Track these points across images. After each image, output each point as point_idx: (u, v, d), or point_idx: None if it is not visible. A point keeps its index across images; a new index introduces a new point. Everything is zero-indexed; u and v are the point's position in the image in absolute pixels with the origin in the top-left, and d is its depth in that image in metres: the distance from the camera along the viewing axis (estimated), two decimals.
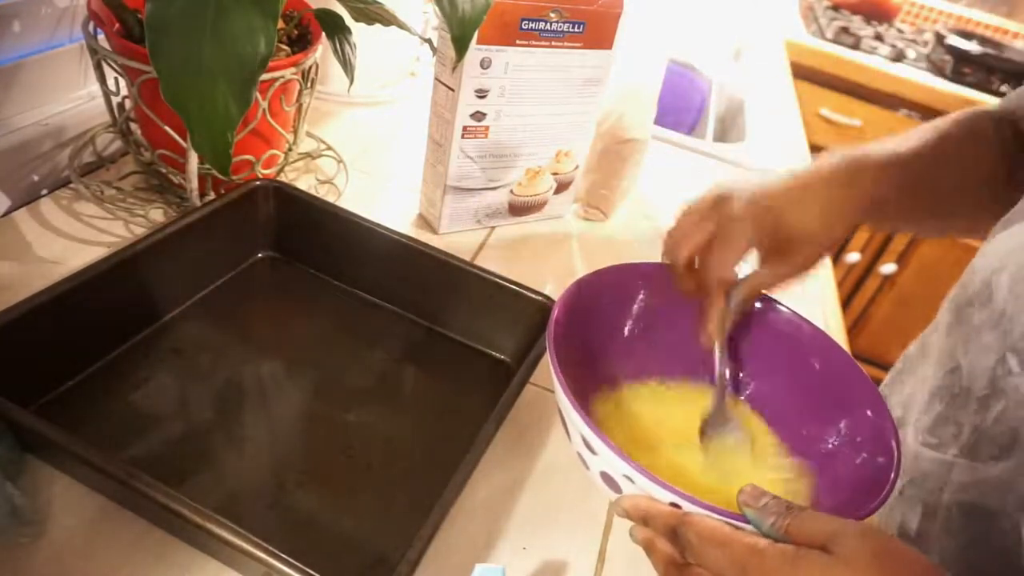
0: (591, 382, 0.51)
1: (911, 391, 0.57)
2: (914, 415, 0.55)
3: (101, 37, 0.56)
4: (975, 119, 0.57)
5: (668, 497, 0.36)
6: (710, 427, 0.49)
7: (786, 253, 0.50)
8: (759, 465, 0.49)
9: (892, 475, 0.40)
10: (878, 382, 0.46)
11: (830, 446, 0.47)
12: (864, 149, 0.53)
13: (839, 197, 0.51)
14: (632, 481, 0.37)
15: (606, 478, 0.40)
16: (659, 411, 0.51)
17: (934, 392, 0.52)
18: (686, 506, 0.36)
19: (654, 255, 0.52)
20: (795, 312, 0.51)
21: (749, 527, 0.35)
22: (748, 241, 0.49)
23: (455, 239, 0.70)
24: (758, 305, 0.52)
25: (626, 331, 0.53)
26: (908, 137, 0.55)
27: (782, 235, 0.50)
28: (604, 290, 0.51)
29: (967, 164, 0.56)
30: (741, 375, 0.53)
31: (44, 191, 0.61)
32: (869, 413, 0.46)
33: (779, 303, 0.52)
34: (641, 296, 0.53)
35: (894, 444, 0.42)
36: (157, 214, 0.61)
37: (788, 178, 0.52)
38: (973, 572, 0.46)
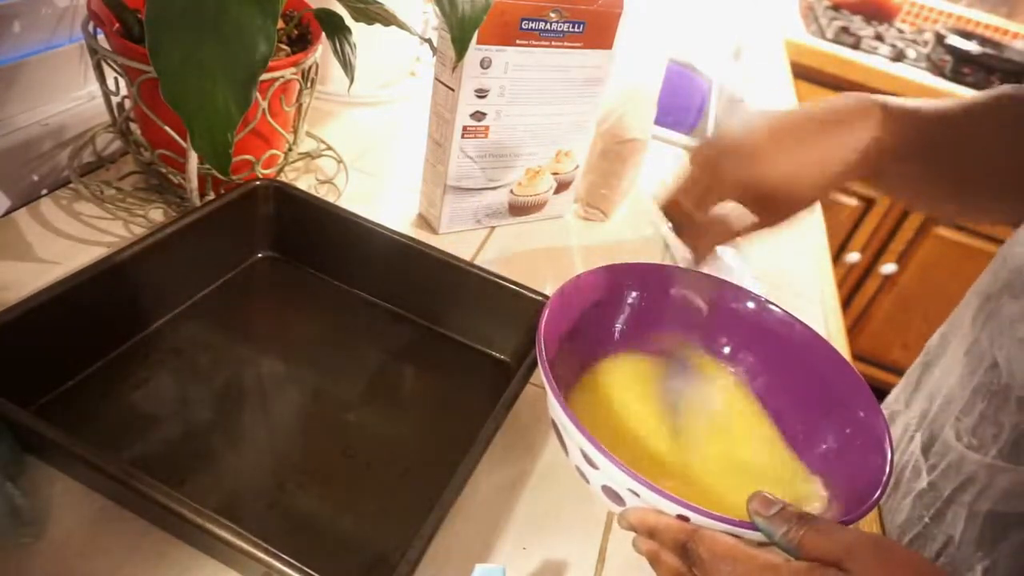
0: (574, 378, 0.51)
1: (938, 383, 0.56)
2: (953, 412, 0.53)
3: (101, 37, 0.56)
4: (1014, 95, 0.51)
5: (675, 510, 0.35)
6: (671, 382, 0.48)
7: (769, 204, 0.47)
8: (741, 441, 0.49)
9: (885, 476, 0.41)
10: (879, 382, 0.46)
11: (823, 446, 0.47)
12: (880, 96, 0.48)
13: (830, 144, 0.46)
14: (637, 495, 0.37)
15: (608, 492, 0.39)
16: (625, 380, 0.50)
17: (976, 389, 0.50)
18: (694, 518, 0.35)
19: (654, 255, 0.52)
20: (788, 312, 0.51)
21: (759, 535, 0.34)
22: (720, 193, 0.47)
23: (455, 239, 0.70)
24: (751, 305, 0.52)
25: (616, 332, 0.53)
26: (936, 101, 0.50)
27: (762, 188, 0.46)
28: (590, 294, 0.51)
29: (1002, 140, 0.50)
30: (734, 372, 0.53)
31: (44, 191, 0.61)
32: (862, 413, 0.46)
33: (772, 304, 0.52)
34: (630, 296, 0.53)
35: (887, 443, 0.43)
36: (157, 214, 0.61)
37: (777, 120, 0.47)
38: None
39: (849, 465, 0.44)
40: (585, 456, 0.39)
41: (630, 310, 0.53)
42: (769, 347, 0.51)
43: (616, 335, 0.53)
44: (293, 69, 0.59)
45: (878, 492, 0.39)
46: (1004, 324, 0.47)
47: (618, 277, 0.52)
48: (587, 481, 0.41)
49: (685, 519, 0.35)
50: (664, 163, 0.95)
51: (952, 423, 0.53)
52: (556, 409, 0.40)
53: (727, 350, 0.53)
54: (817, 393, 0.49)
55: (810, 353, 0.50)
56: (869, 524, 0.55)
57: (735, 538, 0.34)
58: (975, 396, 0.50)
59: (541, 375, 0.42)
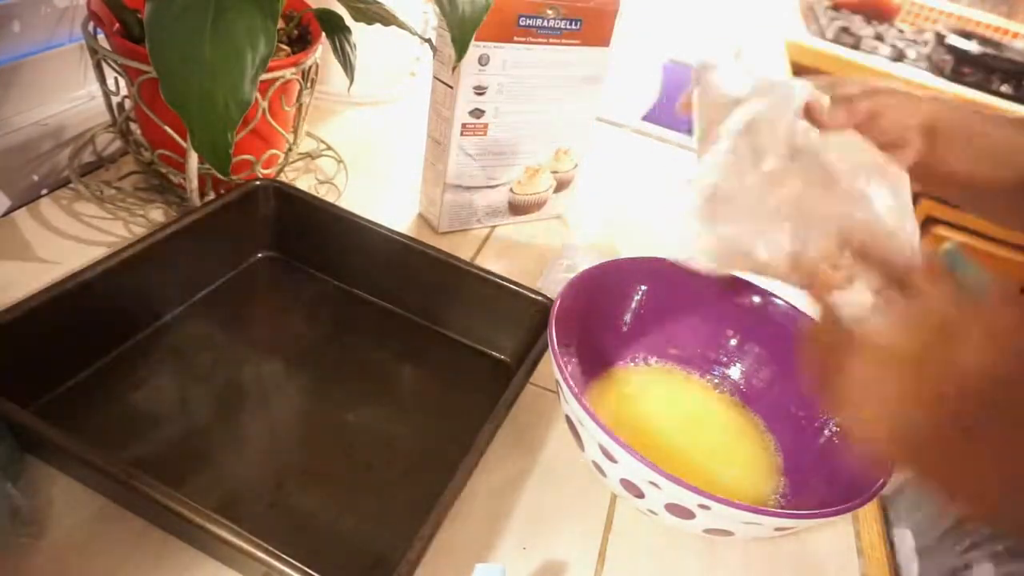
0: (587, 375, 0.52)
1: None
2: None
3: (101, 37, 0.56)
4: None
5: (696, 500, 0.37)
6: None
7: None
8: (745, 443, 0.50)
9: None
10: None
11: (827, 436, 0.48)
12: None
13: None
14: (658, 487, 0.38)
15: (627, 484, 0.40)
16: (641, 388, 0.53)
17: None
18: (715, 507, 0.37)
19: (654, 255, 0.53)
20: (792, 305, 0.51)
21: (768, 520, 0.37)
22: None
23: (455, 239, 0.70)
24: (756, 300, 0.53)
25: (624, 326, 0.54)
26: None
27: None
28: (600, 288, 0.51)
29: None
30: (739, 368, 0.53)
31: (44, 191, 0.61)
32: None
33: (777, 297, 0.52)
34: (639, 290, 0.54)
35: None
36: (157, 214, 0.61)
37: None
38: None
39: (852, 454, 0.45)
40: (603, 450, 0.39)
41: (639, 305, 0.53)
42: (774, 339, 0.52)
43: (625, 333, 0.53)
44: (293, 69, 0.59)
45: (884, 476, 0.40)
46: None
47: (627, 271, 0.53)
48: (603, 475, 0.42)
49: (706, 508, 0.37)
50: (664, 163, 0.95)
51: None
52: (574, 405, 0.41)
53: (734, 342, 0.53)
54: None
55: None
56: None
57: None
58: None
59: (555, 372, 0.43)
